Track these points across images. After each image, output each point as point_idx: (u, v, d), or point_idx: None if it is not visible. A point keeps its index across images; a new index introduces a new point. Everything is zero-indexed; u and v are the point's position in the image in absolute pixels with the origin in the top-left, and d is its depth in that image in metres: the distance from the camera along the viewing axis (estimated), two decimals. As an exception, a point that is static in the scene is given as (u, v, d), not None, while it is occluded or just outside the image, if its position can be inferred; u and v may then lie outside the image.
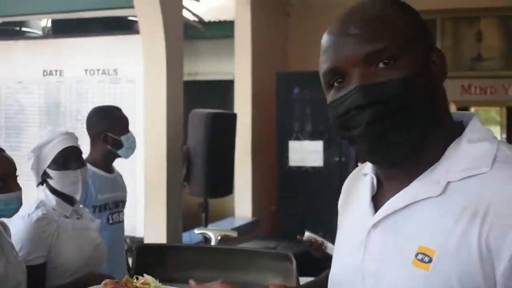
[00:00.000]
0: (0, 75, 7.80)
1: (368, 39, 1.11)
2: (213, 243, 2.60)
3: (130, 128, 3.53)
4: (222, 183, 5.25)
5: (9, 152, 2.39)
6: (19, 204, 2.34)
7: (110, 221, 3.41)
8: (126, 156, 3.50)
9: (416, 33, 1.14)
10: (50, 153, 2.71)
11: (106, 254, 2.88)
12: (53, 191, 2.72)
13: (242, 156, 6.43)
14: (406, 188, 1.14)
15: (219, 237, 2.65)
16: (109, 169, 3.51)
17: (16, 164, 2.38)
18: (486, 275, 1.03)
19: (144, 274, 1.58)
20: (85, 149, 3.46)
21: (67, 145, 2.75)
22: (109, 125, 3.42)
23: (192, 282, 1.38)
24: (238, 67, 6.86)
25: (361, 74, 1.11)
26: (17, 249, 2.47)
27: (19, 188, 2.32)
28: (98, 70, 7.45)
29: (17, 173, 2.36)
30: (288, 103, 6.66)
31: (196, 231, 2.72)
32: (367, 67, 1.12)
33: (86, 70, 7.58)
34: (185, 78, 5.51)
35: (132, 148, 3.47)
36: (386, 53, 1.11)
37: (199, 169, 5.00)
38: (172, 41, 5.16)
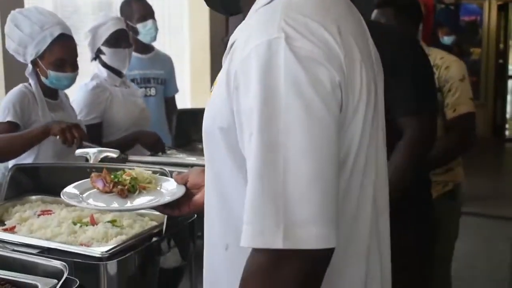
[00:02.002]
0: (55, -24, 8.21)
1: None
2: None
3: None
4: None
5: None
6: (70, 82, 2.76)
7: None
8: (146, 41, 3.95)
9: None
10: (104, 33, 3.20)
11: (150, 118, 3.36)
12: (104, 65, 3.22)
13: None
14: None
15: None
16: (142, 50, 3.97)
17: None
18: (230, 104, 1.08)
19: (135, 167, 1.72)
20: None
21: (118, 27, 3.24)
22: (128, 14, 3.89)
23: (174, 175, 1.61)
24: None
25: None
26: (77, 112, 2.96)
27: (72, 71, 2.72)
28: (147, -32, 7.81)
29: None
30: None
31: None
32: None
33: (135, -31, 7.95)
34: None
35: (149, 34, 3.93)
36: None
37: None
38: None
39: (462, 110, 2.81)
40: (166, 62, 4.19)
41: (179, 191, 1.54)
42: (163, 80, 4.09)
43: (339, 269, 1.12)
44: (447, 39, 6.05)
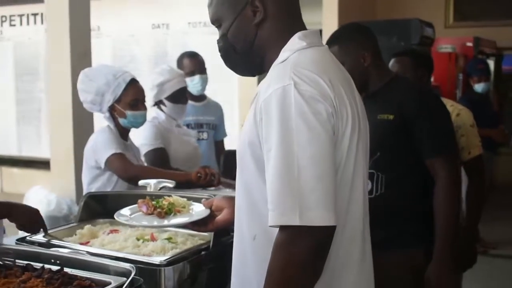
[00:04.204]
0: (115, 28, 8.81)
1: (209, 12, 1.77)
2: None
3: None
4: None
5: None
6: (143, 120, 3.26)
7: None
8: (193, 93, 4.37)
9: (230, 6, 1.70)
10: (169, 89, 3.69)
11: (201, 156, 3.77)
12: (162, 111, 3.64)
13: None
14: None
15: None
16: (196, 99, 4.43)
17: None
18: (256, 132, 1.55)
19: (172, 195, 2.19)
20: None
21: (182, 85, 3.75)
22: (180, 68, 4.34)
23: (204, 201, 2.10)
24: (326, 17, 7.45)
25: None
26: (145, 142, 3.48)
27: (145, 109, 3.23)
28: (200, 22, 8.34)
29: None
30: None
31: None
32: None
33: (189, 23, 8.49)
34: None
35: (195, 88, 4.39)
36: (215, 22, 1.76)
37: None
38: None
39: (476, 152, 3.17)
40: (217, 109, 4.67)
41: (204, 213, 2.01)
42: (214, 126, 4.55)
43: (337, 248, 1.54)
44: (477, 87, 6.42)
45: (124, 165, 3.01)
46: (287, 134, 1.48)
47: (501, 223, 6.88)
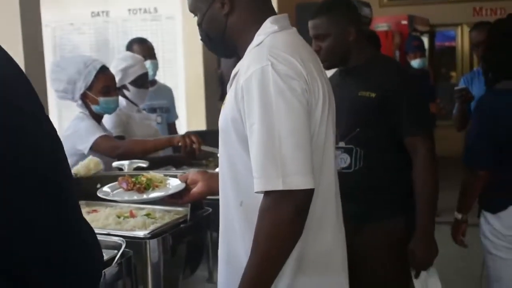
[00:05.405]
0: (54, 18, 8.75)
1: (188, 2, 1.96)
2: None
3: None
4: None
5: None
6: (116, 105, 3.37)
7: None
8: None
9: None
10: (133, 74, 3.81)
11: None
12: (124, 97, 3.75)
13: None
14: None
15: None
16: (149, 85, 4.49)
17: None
18: (238, 109, 1.72)
19: (150, 171, 2.43)
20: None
21: (144, 70, 3.87)
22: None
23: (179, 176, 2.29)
24: None
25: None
26: (109, 127, 3.54)
27: (116, 95, 3.35)
28: (140, 9, 8.36)
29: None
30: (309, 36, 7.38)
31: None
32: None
33: (129, 10, 8.50)
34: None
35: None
36: (192, 12, 1.94)
37: (230, 89, 5.95)
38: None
39: None
40: (168, 93, 4.83)
41: (180, 186, 2.21)
42: (167, 109, 4.67)
43: (313, 208, 1.71)
44: (414, 63, 6.74)
45: (113, 144, 3.17)
46: (267, 109, 1.65)
47: (442, 193, 7.22)
